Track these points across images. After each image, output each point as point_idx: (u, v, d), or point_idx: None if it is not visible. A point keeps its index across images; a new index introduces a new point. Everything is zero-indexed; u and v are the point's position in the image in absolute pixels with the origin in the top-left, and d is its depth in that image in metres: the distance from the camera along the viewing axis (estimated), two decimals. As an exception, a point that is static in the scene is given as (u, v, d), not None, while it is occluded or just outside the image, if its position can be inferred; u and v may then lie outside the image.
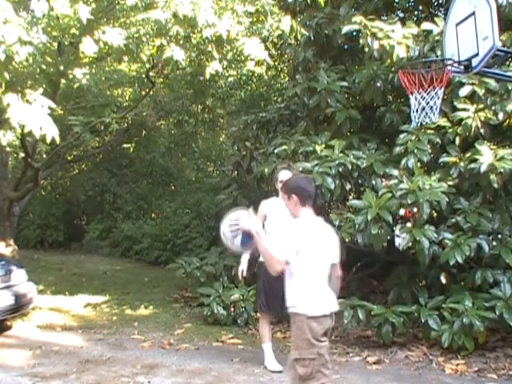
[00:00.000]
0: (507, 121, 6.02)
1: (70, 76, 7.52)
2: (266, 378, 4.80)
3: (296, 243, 3.15)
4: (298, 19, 7.32)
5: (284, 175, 5.08)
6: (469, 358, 5.27)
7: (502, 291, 5.41)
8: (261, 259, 5.16)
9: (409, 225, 5.71)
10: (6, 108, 5.26)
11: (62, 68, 7.00)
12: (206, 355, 5.47)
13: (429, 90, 4.48)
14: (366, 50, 6.30)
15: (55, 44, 6.90)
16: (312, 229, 3.27)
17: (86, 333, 6.28)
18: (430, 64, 4.86)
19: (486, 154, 5.60)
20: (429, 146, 6.11)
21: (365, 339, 6.01)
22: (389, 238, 5.87)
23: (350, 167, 6.17)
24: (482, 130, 5.92)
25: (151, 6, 5.99)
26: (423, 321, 5.46)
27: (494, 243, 5.69)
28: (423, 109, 4.56)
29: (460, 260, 5.37)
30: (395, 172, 6.09)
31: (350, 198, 7.01)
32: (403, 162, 6.09)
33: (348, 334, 6.14)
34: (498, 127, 6.15)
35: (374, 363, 5.21)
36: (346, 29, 6.43)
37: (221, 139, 15.71)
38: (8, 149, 8.63)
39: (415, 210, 5.60)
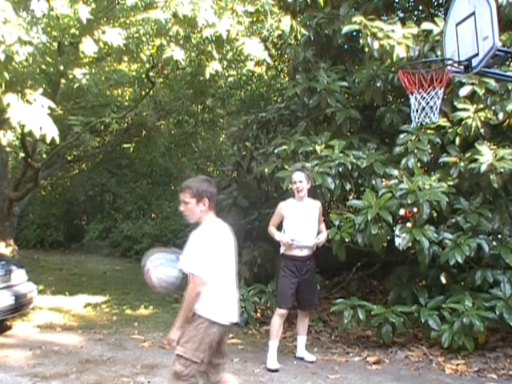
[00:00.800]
0: (507, 121, 6.02)
1: (70, 76, 7.53)
2: (265, 378, 4.80)
3: (205, 256, 3.05)
4: (298, 19, 7.32)
5: (298, 176, 5.09)
6: (469, 357, 5.26)
7: (502, 291, 5.41)
8: (281, 251, 5.18)
9: (409, 225, 5.70)
10: (6, 108, 5.27)
11: (61, 68, 7.01)
12: (206, 355, 5.46)
13: (429, 89, 4.48)
14: (366, 50, 6.30)
15: (55, 44, 6.91)
16: (217, 235, 3.18)
17: (86, 333, 6.28)
18: (430, 64, 4.86)
19: (486, 154, 5.60)
20: (429, 146, 6.11)
21: (365, 339, 6.01)
22: (389, 238, 5.87)
23: (349, 167, 6.17)
24: (482, 130, 5.92)
25: (151, 5, 6.00)
26: (423, 321, 5.46)
27: (494, 243, 5.68)
28: (423, 109, 4.56)
29: (460, 260, 5.37)
30: (395, 172, 6.09)
31: (350, 197, 7.01)
32: (403, 162, 6.09)
33: (348, 334, 6.14)
34: (498, 127, 6.15)
35: (374, 363, 5.21)
36: (345, 29, 6.43)
37: (221, 139, 15.72)
38: (8, 149, 8.65)
39: (415, 210, 5.60)
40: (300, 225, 5.10)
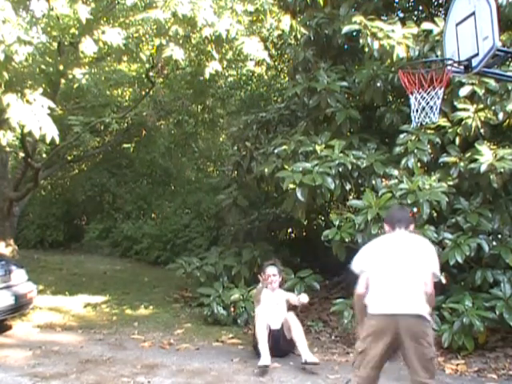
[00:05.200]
0: (507, 121, 6.02)
1: (70, 76, 7.53)
2: (265, 378, 4.80)
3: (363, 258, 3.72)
4: (298, 19, 7.32)
5: (272, 270, 5.58)
6: (469, 358, 5.27)
7: (502, 291, 5.41)
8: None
9: (409, 225, 5.69)
10: (6, 108, 5.26)
11: (61, 68, 7.00)
12: (206, 355, 5.47)
13: (429, 89, 4.47)
14: (366, 50, 6.30)
15: (55, 44, 6.90)
16: (378, 244, 3.73)
17: (86, 333, 6.28)
18: (430, 64, 4.85)
19: (486, 154, 5.60)
20: (429, 146, 6.11)
21: (365, 339, 6.00)
22: (389, 238, 5.86)
23: (349, 167, 6.17)
24: (482, 130, 5.92)
25: (151, 5, 6.00)
26: (423, 321, 5.44)
27: (494, 243, 5.68)
28: (423, 109, 4.55)
29: (460, 260, 5.37)
30: (395, 172, 6.09)
31: (350, 197, 7.01)
32: (403, 162, 6.09)
33: (348, 334, 6.13)
34: (498, 127, 6.14)
35: (374, 363, 5.20)
36: (345, 29, 6.43)
37: (221, 139, 15.70)
38: (8, 149, 8.64)
39: (415, 210, 5.60)
40: (271, 312, 5.40)
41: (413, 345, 3.40)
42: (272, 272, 5.57)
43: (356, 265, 3.70)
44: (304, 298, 5.39)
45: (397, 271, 3.50)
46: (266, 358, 4.99)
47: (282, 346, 5.34)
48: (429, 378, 3.50)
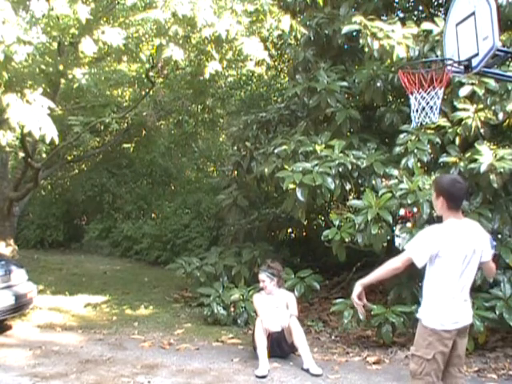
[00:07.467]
0: (507, 121, 6.02)
1: (70, 76, 7.53)
2: (265, 378, 4.80)
3: (423, 244, 3.19)
4: (298, 19, 7.32)
5: (261, 276, 5.49)
6: (469, 358, 5.26)
7: (502, 291, 5.41)
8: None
9: (409, 225, 5.70)
10: (6, 108, 5.26)
11: (61, 68, 7.00)
12: (206, 355, 5.47)
13: (429, 90, 4.47)
14: (366, 50, 6.30)
15: (55, 44, 6.90)
16: (443, 235, 3.24)
17: (86, 333, 6.28)
18: (430, 64, 4.85)
19: (486, 154, 5.59)
20: (429, 146, 6.11)
21: (365, 339, 6.01)
22: (389, 237, 5.87)
23: (349, 167, 6.17)
24: (482, 130, 5.92)
25: (150, 5, 6.00)
26: (423, 321, 5.45)
27: (494, 243, 5.67)
28: (423, 109, 4.55)
29: (460, 260, 5.36)
30: (395, 172, 6.09)
31: (350, 198, 7.01)
32: (403, 162, 6.09)
33: (348, 334, 6.14)
34: (498, 127, 6.15)
35: (374, 363, 5.21)
36: (345, 29, 6.43)
37: (221, 139, 15.71)
38: (8, 149, 8.64)
39: (415, 210, 5.59)
40: (270, 316, 5.32)
41: None
42: (261, 278, 5.50)
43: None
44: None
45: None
46: (263, 367, 4.94)
47: (284, 347, 5.32)
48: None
